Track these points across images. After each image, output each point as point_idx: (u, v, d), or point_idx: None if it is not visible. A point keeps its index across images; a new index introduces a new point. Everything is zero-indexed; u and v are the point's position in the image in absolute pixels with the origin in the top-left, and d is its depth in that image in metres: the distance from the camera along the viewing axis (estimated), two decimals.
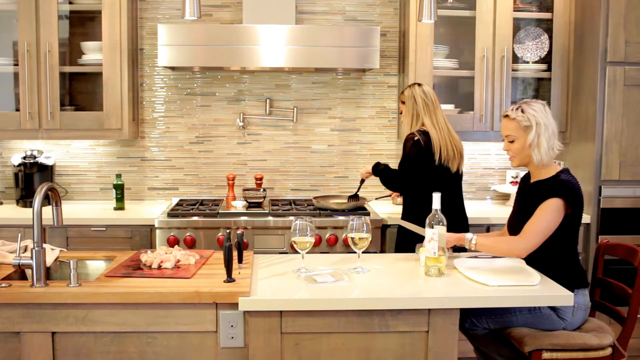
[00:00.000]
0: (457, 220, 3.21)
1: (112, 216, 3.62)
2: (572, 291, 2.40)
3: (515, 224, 2.68)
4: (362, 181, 3.63)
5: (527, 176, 2.78)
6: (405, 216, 3.32)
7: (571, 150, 3.94)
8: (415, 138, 3.18)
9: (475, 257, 2.69)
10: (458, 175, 3.27)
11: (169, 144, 4.14)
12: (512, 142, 2.63)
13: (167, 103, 4.12)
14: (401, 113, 3.37)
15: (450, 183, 3.23)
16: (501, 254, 2.56)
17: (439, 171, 3.18)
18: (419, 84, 3.30)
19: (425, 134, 3.19)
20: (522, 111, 2.58)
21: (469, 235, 2.53)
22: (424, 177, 3.18)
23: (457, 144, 3.23)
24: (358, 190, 3.69)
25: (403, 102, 3.34)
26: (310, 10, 4.10)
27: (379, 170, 3.40)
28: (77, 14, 3.95)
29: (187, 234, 3.46)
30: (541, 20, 4.01)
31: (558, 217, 2.49)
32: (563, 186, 2.51)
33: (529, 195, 2.63)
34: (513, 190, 4.08)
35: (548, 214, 2.48)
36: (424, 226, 2.47)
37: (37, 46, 3.66)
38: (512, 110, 2.61)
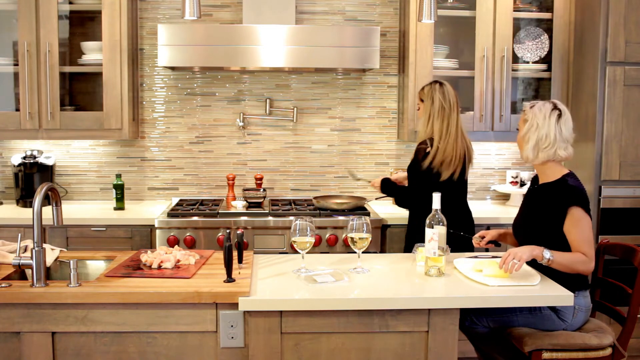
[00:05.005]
0: (462, 223, 3.19)
1: (112, 216, 3.62)
2: (573, 292, 2.40)
3: (522, 225, 2.69)
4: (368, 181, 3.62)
5: (536, 178, 2.79)
6: (411, 222, 3.30)
7: None
8: (427, 150, 3.13)
9: (476, 257, 2.69)
10: (461, 181, 3.20)
11: (169, 144, 4.14)
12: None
13: (167, 103, 4.12)
14: (419, 109, 3.29)
15: (448, 188, 3.12)
16: (576, 272, 2.51)
17: (433, 178, 3.14)
18: (441, 83, 3.20)
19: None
20: (532, 107, 2.64)
21: (547, 253, 2.43)
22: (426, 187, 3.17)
23: (458, 151, 3.14)
24: (360, 179, 3.69)
25: (422, 100, 3.25)
26: (310, 10, 4.10)
27: (389, 187, 3.37)
28: (77, 14, 3.95)
29: (187, 234, 3.46)
30: (541, 20, 4.01)
31: (589, 220, 2.52)
32: (579, 195, 2.52)
33: (536, 197, 2.66)
34: (513, 190, 4.08)
35: (583, 223, 2.49)
36: (423, 229, 2.46)
37: (37, 46, 3.66)
38: (528, 103, 2.70)
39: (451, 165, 3.12)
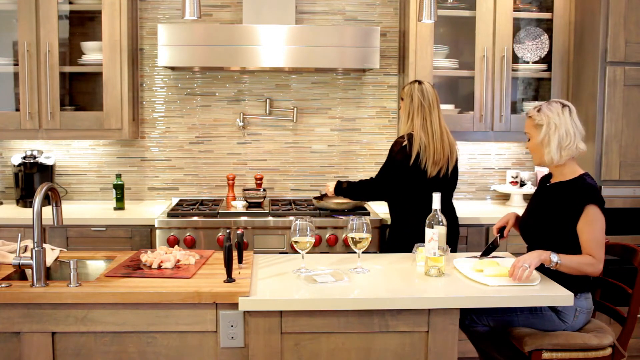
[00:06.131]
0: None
1: (112, 216, 3.62)
2: (576, 295, 2.39)
3: (533, 224, 2.69)
4: (325, 195, 3.62)
5: (546, 177, 2.78)
6: (394, 224, 3.30)
7: None
8: (404, 144, 3.15)
9: (476, 257, 2.69)
10: (446, 179, 3.20)
11: (169, 144, 4.14)
12: (530, 140, 2.68)
13: (167, 103, 4.12)
14: (399, 108, 3.35)
15: (432, 187, 3.09)
16: (584, 274, 2.51)
17: (416, 174, 3.14)
18: (420, 82, 3.25)
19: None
20: (539, 110, 2.63)
21: (554, 257, 2.43)
22: (401, 182, 3.16)
23: (445, 149, 3.15)
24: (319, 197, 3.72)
25: (402, 99, 3.30)
26: (310, 10, 4.10)
27: (343, 189, 3.39)
28: (77, 14, 3.95)
29: (187, 234, 3.46)
30: (541, 20, 4.01)
31: (604, 220, 2.51)
32: (597, 194, 2.52)
33: (549, 195, 2.65)
34: (513, 190, 4.08)
35: (597, 223, 2.49)
36: (422, 229, 2.46)
37: (37, 46, 3.66)
38: (532, 109, 2.68)
39: (438, 163, 3.14)
